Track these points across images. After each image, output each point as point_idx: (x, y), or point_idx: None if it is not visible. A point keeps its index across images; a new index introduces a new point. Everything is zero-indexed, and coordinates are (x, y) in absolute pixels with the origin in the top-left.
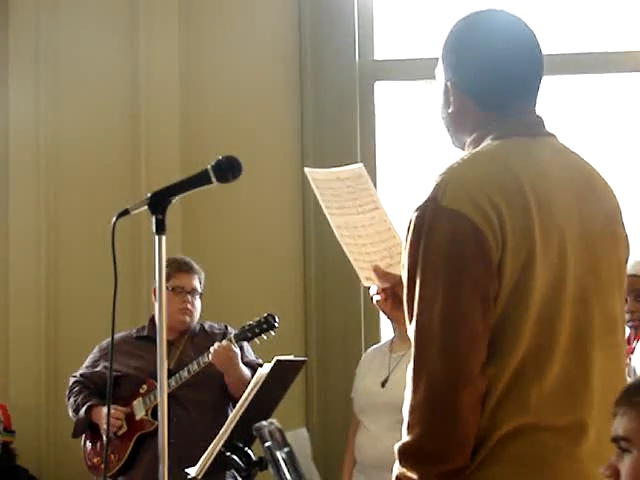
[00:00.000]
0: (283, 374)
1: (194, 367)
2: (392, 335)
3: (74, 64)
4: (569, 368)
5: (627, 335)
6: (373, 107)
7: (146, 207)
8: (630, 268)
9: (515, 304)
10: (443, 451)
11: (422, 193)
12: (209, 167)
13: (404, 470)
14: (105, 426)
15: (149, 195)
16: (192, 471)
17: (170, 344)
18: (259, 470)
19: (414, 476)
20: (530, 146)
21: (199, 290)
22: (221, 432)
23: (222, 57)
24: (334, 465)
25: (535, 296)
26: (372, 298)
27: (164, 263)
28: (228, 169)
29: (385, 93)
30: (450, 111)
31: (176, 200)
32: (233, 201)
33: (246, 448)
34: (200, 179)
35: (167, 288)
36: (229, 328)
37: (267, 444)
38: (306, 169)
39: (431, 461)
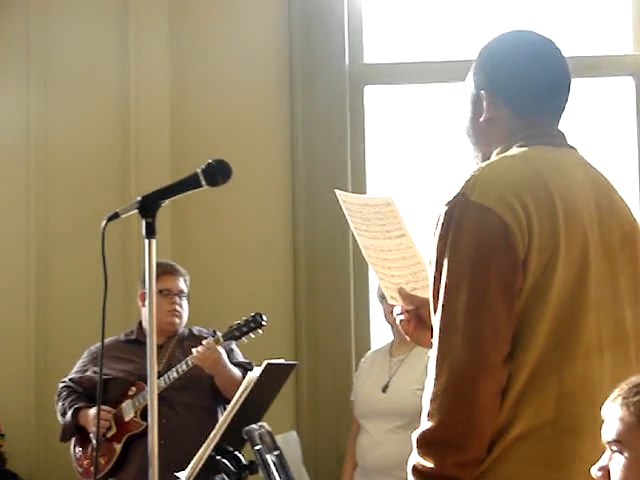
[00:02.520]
0: (273, 377)
1: (183, 367)
2: (391, 339)
3: (64, 67)
4: (589, 370)
5: None
6: (363, 111)
7: (136, 211)
8: None
9: (535, 301)
10: (461, 440)
11: (451, 190)
12: (199, 171)
13: (420, 459)
14: (93, 428)
15: (139, 199)
16: (182, 475)
17: (159, 347)
18: (249, 474)
19: (430, 464)
20: (555, 155)
21: (186, 292)
22: (211, 436)
23: (212, 60)
24: (324, 468)
25: (554, 296)
26: (396, 318)
27: (154, 266)
28: (218, 173)
29: (375, 97)
30: (482, 120)
31: (166, 204)
32: (223, 205)
33: (236, 452)
34: (190, 183)
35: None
36: (218, 333)
37: (257, 447)
38: (337, 191)
39: (448, 449)
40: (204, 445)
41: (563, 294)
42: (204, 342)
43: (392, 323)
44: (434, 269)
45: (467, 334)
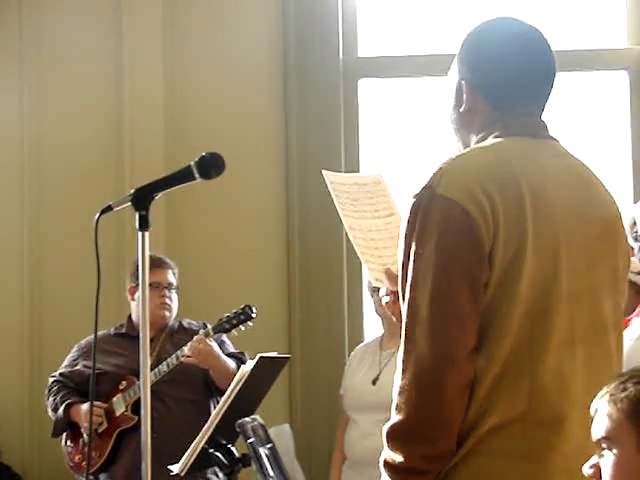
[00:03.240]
0: (267, 371)
1: (173, 361)
2: (381, 332)
3: (58, 62)
4: (561, 364)
5: None
6: (357, 104)
7: (129, 203)
8: None
9: (503, 294)
10: (428, 433)
11: (419, 182)
12: (192, 163)
13: (390, 452)
14: (84, 424)
15: (132, 191)
16: (175, 468)
17: (150, 341)
18: (242, 467)
19: (399, 458)
20: (531, 145)
21: (175, 284)
22: (204, 429)
23: (205, 54)
24: (317, 461)
25: (524, 288)
26: (381, 299)
27: (147, 259)
28: (211, 166)
29: (369, 90)
30: (461, 110)
31: (159, 196)
32: (217, 198)
33: (229, 445)
34: (183, 175)
35: None
36: (208, 325)
37: (250, 440)
38: (324, 171)
39: (416, 442)
40: (197, 438)
41: (534, 287)
42: (194, 337)
43: (383, 316)
44: (401, 261)
45: (431, 328)
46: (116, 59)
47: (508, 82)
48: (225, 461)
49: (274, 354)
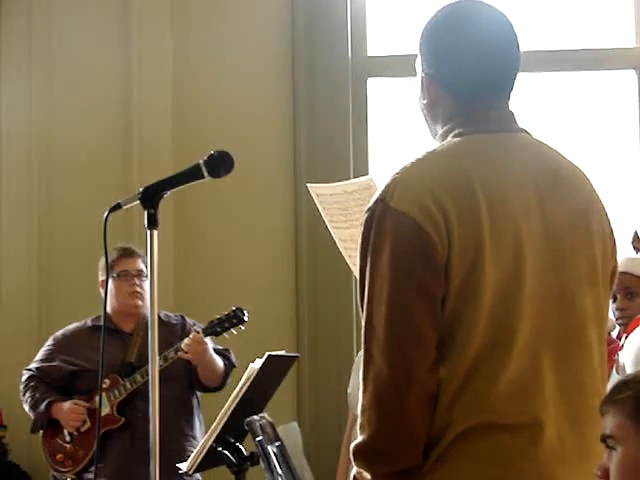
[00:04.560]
0: (275, 369)
1: (161, 362)
2: None
3: (67, 60)
4: (523, 367)
5: (617, 332)
6: (366, 103)
7: (138, 202)
8: (620, 265)
9: (464, 304)
10: (392, 451)
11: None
12: (201, 162)
13: (360, 470)
14: (68, 422)
15: (141, 189)
16: (183, 466)
17: (129, 335)
18: (250, 465)
19: (367, 476)
20: (490, 144)
21: (145, 272)
22: (212, 427)
23: (215, 53)
24: (325, 459)
25: (485, 297)
26: None
27: (156, 257)
28: (220, 164)
29: (378, 89)
30: (425, 102)
31: (168, 195)
32: (225, 196)
33: (237, 443)
34: (192, 174)
35: (113, 277)
36: (186, 318)
37: (258, 438)
38: (309, 185)
39: (381, 461)
40: (206, 436)
41: (496, 293)
42: (191, 335)
43: None
44: (359, 278)
45: (388, 346)
46: (125, 58)
47: (468, 74)
48: (233, 459)
49: (282, 352)
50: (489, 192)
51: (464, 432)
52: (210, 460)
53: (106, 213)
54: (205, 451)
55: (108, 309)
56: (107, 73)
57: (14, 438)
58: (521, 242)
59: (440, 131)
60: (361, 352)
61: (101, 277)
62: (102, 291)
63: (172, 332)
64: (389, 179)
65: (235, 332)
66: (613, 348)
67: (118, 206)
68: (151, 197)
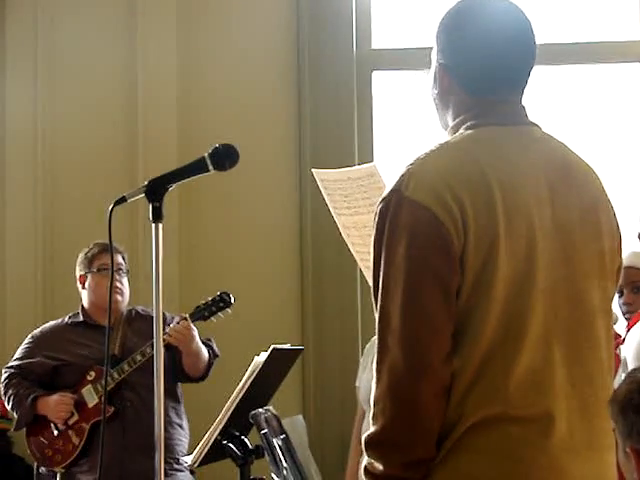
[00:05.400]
0: (280, 362)
1: (148, 350)
2: None
3: (72, 58)
4: (536, 360)
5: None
6: (370, 96)
7: (143, 195)
8: (626, 260)
9: (478, 296)
10: (406, 442)
11: (389, 184)
12: (206, 155)
13: (371, 460)
14: (54, 416)
15: (146, 183)
16: (188, 459)
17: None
18: (255, 458)
19: (379, 466)
20: (503, 136)
21: (124, 267)
22: (217, 420)
23: (219, 46)
24: (330, 452)
25: (499, 289)
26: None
27: (161, 250)
28: (225, 157)
29: (382, 82)
30: (437, 92)
31: (173, 188)
32: (230, 189)
33: (242, 436)
34: (197, 167)
35: (92, 272)
36: (166, 313)
37: (264, 431)
38: (314, 170)
39: (394, 451)
40: (210, 429)
41: (510, 286)
42: (181, 322)
43: None
44: (372, 268)
45: (403, 336)
46: (130, 56)
47: (483, 68)
48: (238, 452)
49: (287, 346)
50: (503, 184)
51: (476, 424)
52: (215, 453)
53: (111, 206)
54: (210, 444)
55: (86, 305)
56: (112, 70)
57: (19, 433)
58: (533, 235)
59: (452, 123)
60: (368, 345)
61: (80, 272)
62: (80, 286)
63: (151, 325)
64: (403, 170)
65: (222, 316)
66: (617, 342)
67: (123, 199)
68: (156, 190)
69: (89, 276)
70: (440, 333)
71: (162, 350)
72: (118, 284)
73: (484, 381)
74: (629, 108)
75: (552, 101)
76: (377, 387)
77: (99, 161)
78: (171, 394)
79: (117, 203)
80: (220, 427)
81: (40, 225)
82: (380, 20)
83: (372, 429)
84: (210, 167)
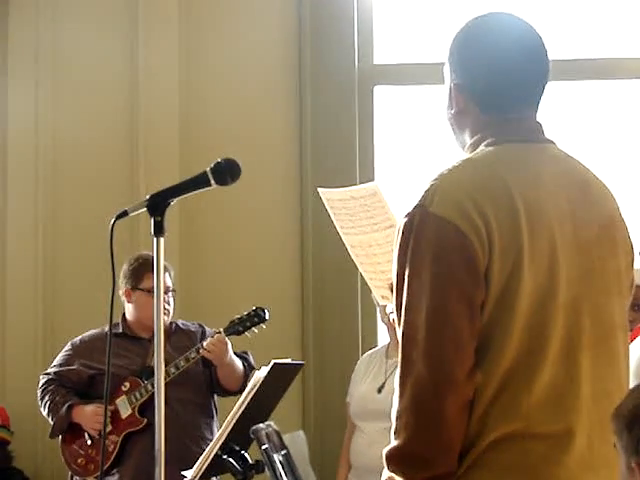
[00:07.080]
0: (280, 377)
1: (181, 363)
2: (388, 340)
3: (74, 65)
4: (559, 375)
5: None
6: (372, 111)
7: (145, 209)
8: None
9: (502, 311)
10: (428, 456)
11: (412, 199)
12: (208, 169)
13: (392, 475)
14: (89, 425)
15: (148, 197)
16: (188, 474)
17: (148, 342)
18: (256, 473)
19: None
20: (523, 153)
21: (171, 287)
22: (218, 435)
23: (222, 60)
24: (331, 468)
25: (523, 303)
26: (388, 316)
27: (162, 265)
28: (227, 172)
29: (384, 97)
30: (453, 112)
31: (174, 202)
32: (232, 204)
33: (243, 451)
34: (199, 181)
35: (141, 290)
36: (205, 327)
37: (264, 446)
38: (320, 189)
39: (417, 466)
40: (211, 444)
41: (532, 302)
42: (215, 336)
43: (388, 325)
44: (395, 283)
45: (428, 350)
46: (132, 63)
47: (497, 85)
48: (238, 467)
49: (288, 360)
50: (526, 199)
51: (497, 440)
52: (215, 468)
53: (113, 220)
54: (210, 459)
55: (129, 317)
56: (113, 79)
57: (20, 445)
58: (555, 250)
59: (470, 141)
60: (359, 361)
61: (126, 286)
62: (125, 299)
63: (191, 339)
64: (427, 185)
65: (256, 331)
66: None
67: (125, 213)
68: (158, 205)
69: (137, 293)
70: (465, 348)
71: (163, 364)
72: (166, 305)
73: (506, 396)
74: (634, 125)
75: (566, 117)
76: (400, 401)
77: (100, 175)
78: (204, 409)
79: (119, 217)
80: (221, 442)
81: (41, 238)
82: (382, 35)
83: (394, 443)
84: (212, 182)
